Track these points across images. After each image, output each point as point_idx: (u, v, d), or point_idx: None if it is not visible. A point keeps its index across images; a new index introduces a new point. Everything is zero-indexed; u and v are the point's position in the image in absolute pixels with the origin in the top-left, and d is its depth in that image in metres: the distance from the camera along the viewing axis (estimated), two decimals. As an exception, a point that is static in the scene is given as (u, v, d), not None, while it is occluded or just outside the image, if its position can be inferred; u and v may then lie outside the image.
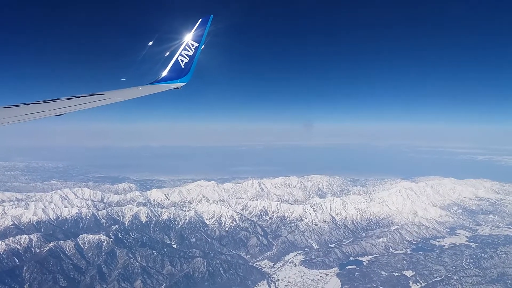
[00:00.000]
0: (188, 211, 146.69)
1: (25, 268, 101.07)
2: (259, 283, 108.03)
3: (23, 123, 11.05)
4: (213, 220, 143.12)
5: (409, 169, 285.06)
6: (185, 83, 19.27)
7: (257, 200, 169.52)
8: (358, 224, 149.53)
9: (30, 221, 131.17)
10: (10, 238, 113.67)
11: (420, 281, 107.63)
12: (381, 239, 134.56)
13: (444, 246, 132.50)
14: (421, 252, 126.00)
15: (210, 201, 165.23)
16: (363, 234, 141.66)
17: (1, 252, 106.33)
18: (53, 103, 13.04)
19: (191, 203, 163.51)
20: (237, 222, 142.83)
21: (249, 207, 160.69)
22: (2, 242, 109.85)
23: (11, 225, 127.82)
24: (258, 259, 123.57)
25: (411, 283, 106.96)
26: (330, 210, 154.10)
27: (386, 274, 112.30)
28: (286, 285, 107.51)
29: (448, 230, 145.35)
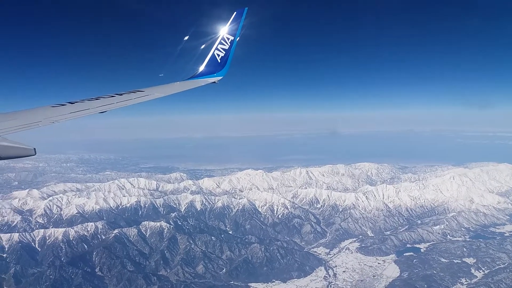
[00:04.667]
0: (240, 199, 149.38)
1: (94, 253, 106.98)
2: (316, 269, 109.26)
3: (69, 121, 11.46)
4: (265, 207, 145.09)
5: (459, 155, 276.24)
6: (221, 77, 19.35)
7: (306, 188, 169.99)
8: (413, 211, 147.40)
9: (93, 210, 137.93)
10: (78, 225, 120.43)
11: (483, 268, 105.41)
12: (438, 226, 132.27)
13: (505, 233, 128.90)
14: (481, 240, 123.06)
15: (260, 189, 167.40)
16: (419, 222, 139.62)
17: (71, 239, 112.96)
18: (96, 101, 13.43)
19: (242, 191, 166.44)
20: (289, 209, 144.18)
21: (299, 195, 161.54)
22: (72, 229, 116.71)
23: (76, 213, 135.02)
24: (313, 245, 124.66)
25: (473, 270, 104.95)
26: (383, 198, 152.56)
27: (446, 261, 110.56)
28: (344, 271, 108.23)
29: (507, 217, 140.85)
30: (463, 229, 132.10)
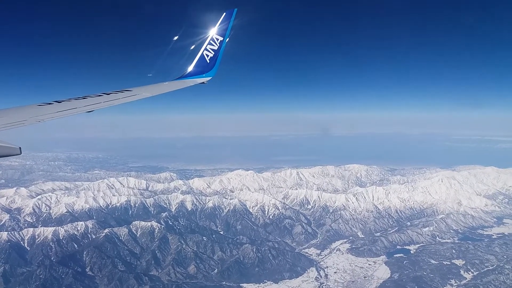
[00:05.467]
0: (231, 199, 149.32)
1: (84, 253, 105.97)
2: (308, 270, 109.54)
3: (56, 119, 11.40)
4: (256, 208, 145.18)
5: (447, 158, 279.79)
6: (210, 77, 19.36)
7: (296, 189, 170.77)
8: (402, 213, 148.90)
9: (83, 209, 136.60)
10: (68, 224, 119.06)
11: (472, 270, 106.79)
12: (427, 228, 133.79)
13: (493, 235, 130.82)
14: (469, 242, 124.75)
15: (251, 189, 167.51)
16: (408, 223, 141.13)
17: (61, 238, 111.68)
18: (84, 100, 13.35)
19: (232, 192, 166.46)
20: (280, 210, 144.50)
21: (290, 196, 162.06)
22: (61, 228, 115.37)
23: (66, 212, 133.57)
24: (304, 246, 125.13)
25: (462, 272, 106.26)
26: (373, 200, 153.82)
27: (436, 262, 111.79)
28: (335, 272, 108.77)
29: (495, 219, 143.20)
30: (451, 231, 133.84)
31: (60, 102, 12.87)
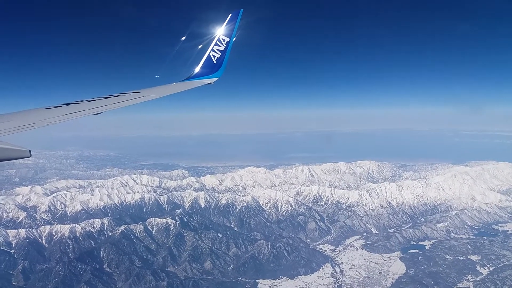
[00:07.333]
0: (244, 196, 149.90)
1: (102, 250, 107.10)
2: (323, 266, 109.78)
3: (64, 122, 11.46)
4: (269, 204, 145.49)
5: (458, 153, 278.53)
6: (217, 78, 19.48)
7: (309, 186, 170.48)
8: (416, 209, 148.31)
9: (98, 206, 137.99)
10: (84, 222, 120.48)
11: (488, 266, 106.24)
12: (442, 223, 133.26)
13: (508, 231, 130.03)
14: (485, 237, 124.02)
15: (263, 186, 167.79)
16: (422, 219, 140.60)
17: (78, 235, 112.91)
18: (92, 103, 13.45)
19: (245, 189, 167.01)
20: (293, 207, 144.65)
21: (302, 192, 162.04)
22: (78, 225, 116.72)
23: (81, 210, 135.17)
24: (318, 242, 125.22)
25: (478, 267, 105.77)
26: (386, 196, 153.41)
27: (451, 258, 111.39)
28: (350, 268, 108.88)
29: (510, 215, 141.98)
30: (466, 226, 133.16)
31: (68, 105, 12.98)
